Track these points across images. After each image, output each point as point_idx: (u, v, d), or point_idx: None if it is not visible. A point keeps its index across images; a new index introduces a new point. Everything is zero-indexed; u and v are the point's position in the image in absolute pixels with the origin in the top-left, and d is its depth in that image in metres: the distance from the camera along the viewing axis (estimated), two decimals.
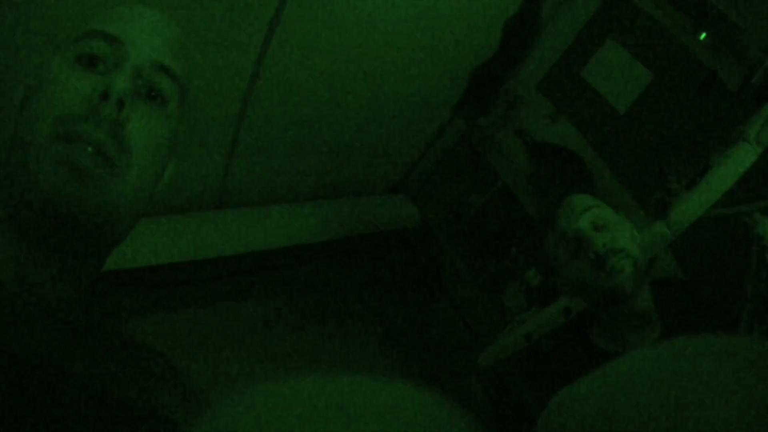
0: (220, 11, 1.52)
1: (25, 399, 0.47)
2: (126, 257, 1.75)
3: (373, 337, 2.44)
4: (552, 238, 1.17)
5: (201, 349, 1.89)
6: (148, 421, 0.56)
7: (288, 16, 1.64)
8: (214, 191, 2.09)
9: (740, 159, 1.29)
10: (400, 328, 2.53)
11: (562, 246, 1.14)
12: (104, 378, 0.55)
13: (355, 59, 1.94)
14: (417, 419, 0.23)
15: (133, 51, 0.59)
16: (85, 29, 0.60)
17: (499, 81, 2.20)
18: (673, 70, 1.62)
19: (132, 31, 0.60)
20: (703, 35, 1.46)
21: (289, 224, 2.31)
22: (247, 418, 0.24)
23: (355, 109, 2.17)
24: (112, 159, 0.55)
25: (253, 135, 1.96)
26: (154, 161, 0.60)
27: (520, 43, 2.05)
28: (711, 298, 1.21)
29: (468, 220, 2.56)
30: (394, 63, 2.06)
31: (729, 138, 1.15)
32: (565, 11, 1.97)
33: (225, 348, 1.97)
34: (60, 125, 0.54)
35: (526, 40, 2.04)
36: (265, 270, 2.29)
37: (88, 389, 0.52)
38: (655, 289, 1.19)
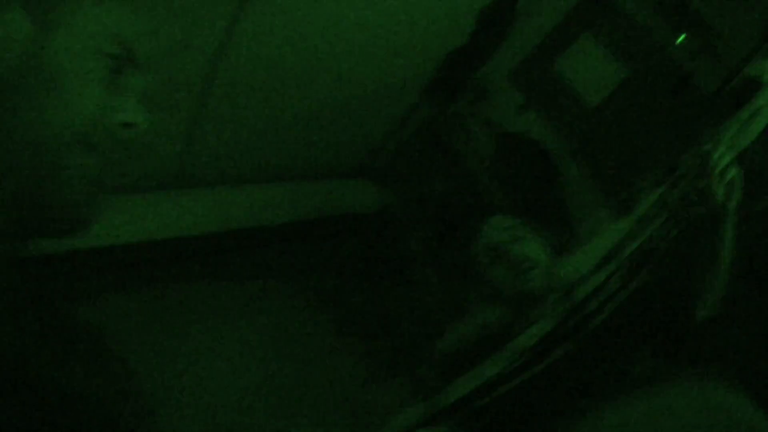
0: None
1: None
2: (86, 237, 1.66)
3: (331, 320, 2.43)
4: (475, 249, 1.40)
5: (152, 331, 1.83)
6: (70, 401, 0.53)
7: None
8: (174, 168, 2.01)
9: None
10: (358, 312, 2.51)
11: (483, 255, 1.37)
12: (29, 358, 0.51)
13: (325, 38, 1.89)
14: None
15: None
16: None
17: (470, 69, 2.18)
18: (648, 70, 1.64)
19: None
20: (682, 37, 1.49)
21: (249, 205, 2.27)
22: None
23: (323, 87, 2.12)
24: None
25: (218, 109, 1.89)
26: None
27: (494, 32, 2.04)
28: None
29: (431, 206, 2.55)
30: (364, 43, 2.01)
31: (701, 140, 1.20)
32: (544, 3, 1.97)
33: (177, 330, 1.93)
34: None
35: (500, 30, 2.03)
36: (222, 252, 2.23)
37: (12, 368, 0.49)
38: None
